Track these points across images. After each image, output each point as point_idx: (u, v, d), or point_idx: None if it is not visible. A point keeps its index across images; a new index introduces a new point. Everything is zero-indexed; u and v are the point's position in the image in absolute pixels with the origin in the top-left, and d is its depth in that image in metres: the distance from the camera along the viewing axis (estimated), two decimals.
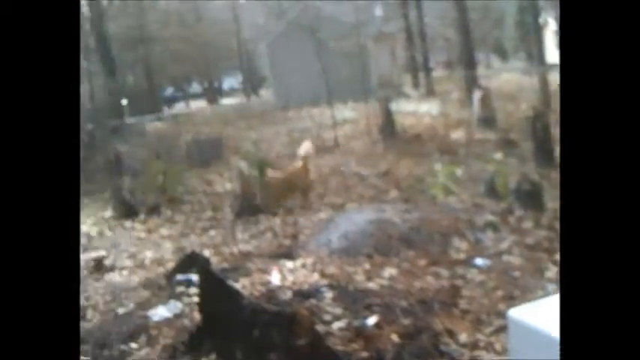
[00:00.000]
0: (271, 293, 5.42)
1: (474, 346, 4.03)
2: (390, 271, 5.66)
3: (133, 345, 4.68)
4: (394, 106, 16.81)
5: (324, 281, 5.60)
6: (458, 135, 14.21)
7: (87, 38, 25.29)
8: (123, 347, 4.65)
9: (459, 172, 9.25)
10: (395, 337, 4.27)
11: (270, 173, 9.45)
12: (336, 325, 4.59)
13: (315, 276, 5.78)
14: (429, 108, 19.22)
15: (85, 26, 25.33)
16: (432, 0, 29.22)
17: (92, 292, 6.06)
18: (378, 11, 31.95)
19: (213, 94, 41.48)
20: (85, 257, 7.37)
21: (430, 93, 24.84)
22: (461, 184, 8.97)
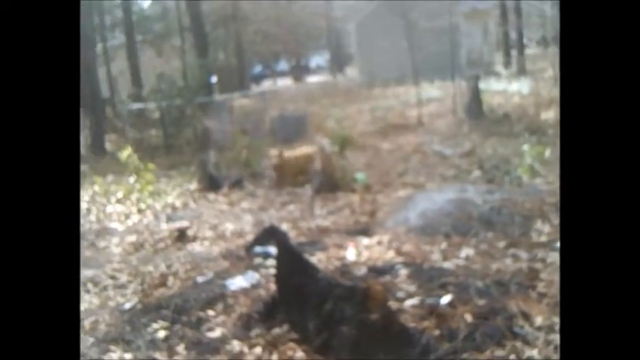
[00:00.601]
0: (346, 268, 5.45)
1: (549, 329, 3.89)
2: (467, 252, 5.55)
3: (210, 312, 4.83)
4: (483, 85, 16.37)
5: (400, 259, 5.57)
6: (548, 115, 13.68)
7: (182, 17, 26.01)
8: (200, 314, 4.80)
9: (548, 153, 8.90)
10: (468, 317, 4.20)
11: (286, 154, 10.09)
12: (409, 303, 4.56)
13: (391, 253, 5.75)
14: (519, 87, 18.60)
15: (181, 5, 26.05)
16: None
17: (174, 261, 6.28)
18: None
19: (300, 72, 41.84)
20: (169, 227, 7.65)
21: (522, 71, 24.02)
22: (549, 166, 8.65)
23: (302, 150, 10.24)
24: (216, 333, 4.49)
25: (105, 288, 5.77)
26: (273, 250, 5.64)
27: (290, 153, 10.16)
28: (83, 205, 9.66)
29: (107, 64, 27.10)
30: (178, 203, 9.40)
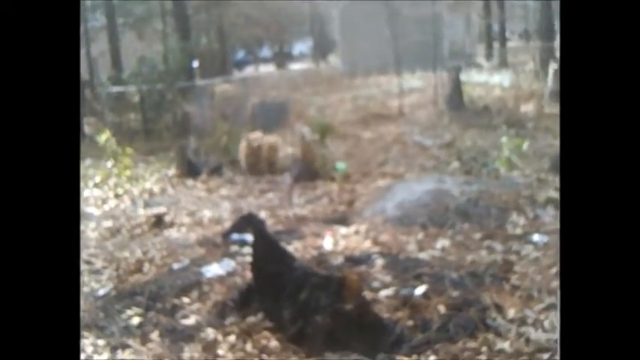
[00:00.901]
0: (323, 257, 5.47)
1: (521, 322, 3.95)
2: (443, 243, 5.60)
3: (185, 299, 4.82)
4: (464, 77, 16.43)
5: (376, 249, 5.60)
6: (528, 108, 13.78)
7: (165, 1, 25.71)
8: (175, 301, 4.80)
9: (526, 146, 8.98)
10: (442, 308, 4.24)
11: (254, 142, 10.17)
12: (384, 293, 4.59)
13: (368, 243, 5.78)
14: (500, 79, 18.68)
15: None
16: None
17: (150, 247, 6.25)
18: None
19: (282, 58, 41.65)
20: (147, 213, 7.60)
21: (503, 64, 24.09)
22: (526, 159, 8.73)
23: (268, 139, 10.24)
24: (191, 320, 4.49)
25: (80, 273, 5.72)
26: (250, 237, 5.63)
27: (257, 141, 10.12)
28: None
29: (87, 45, 26.75)
30: (156, 189, 9.34)
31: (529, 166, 8.39)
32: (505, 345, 3.75)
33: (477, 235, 5.72)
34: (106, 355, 4.08)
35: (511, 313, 4.10)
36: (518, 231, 5.77)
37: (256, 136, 10.25)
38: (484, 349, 3.74)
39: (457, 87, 14.94)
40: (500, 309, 4.15)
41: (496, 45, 28.37)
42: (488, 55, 27.72)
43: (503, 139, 9.10)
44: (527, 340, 3.76)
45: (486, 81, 18.91)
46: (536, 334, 3.80)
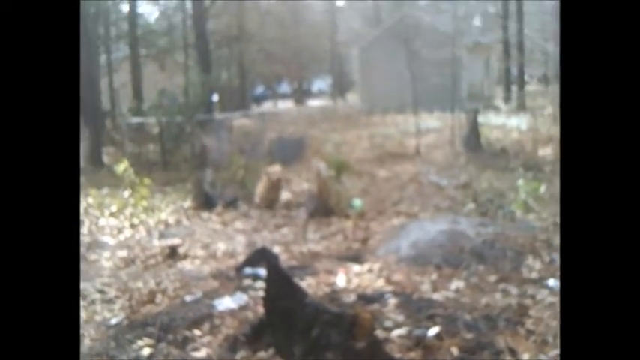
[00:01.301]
0: (335, 294, 5.43)
1: None
2: (457, 284, 5.55)
3: (197, 332, 4.80)
4: (482, 119, 16.47)
5: (389, 287, 5.56)
6: (546, 152, 13.76)
7: (187, 34, 26.19)
8: (186, 333, 4.77)
9: (542, 189, 8.94)
10: (455, 350, 4.19)
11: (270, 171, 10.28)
12: (397, 333, 4.54)
13: (381, 282, 5.75)
14: (518, 122, 18.71)
15: (188, 22, 26.22)
16: (532, 13, 28.46)
17: (164, 278, 6.25)
18: (477, 21, 31.43)
19: (301, 95, 42.06)
20: (161, 244, 7.63)
21: (521, 107, 24.16)
22: (543, 203, 8.67)
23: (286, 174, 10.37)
24: (202, 353, 4.46)
25: (93, 302, 5.73)
26: (263, 272, 5.63)
27: (275, 175, 10.19)
28: None
29: (110, 75, 27.24)
30: (171, 220, 9.38)
31: (545, 209, 8.33)
32: None
33: (492, 278, 5.67)
34: None
35: (525, 357, 4.04)
36: (534, 275, 5.71)
37: (275, 169, 10.31)
38: None
39: (475, 128, 14.98)
40: (514, 353, 4.09)
41: (514, 88, 28.46)
42: (507, 98, 27.79)
43: (520, 182, 9.07)
44: None
45: (504, 124, 18.93)
46: None
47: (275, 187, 9.98)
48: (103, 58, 26.43)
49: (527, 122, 18.19)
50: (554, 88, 21.16)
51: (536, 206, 8.45)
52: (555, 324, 4.56)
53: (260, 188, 10.14)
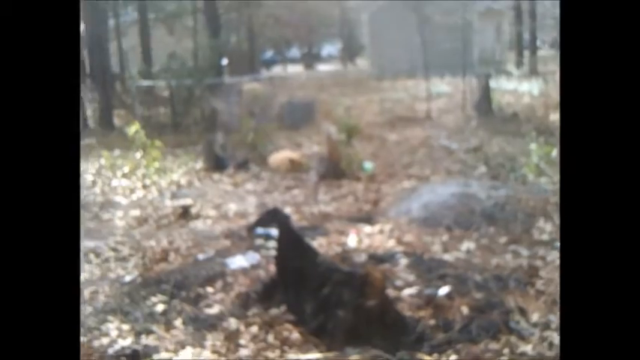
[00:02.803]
0: (346, 254, 5.48)
1: (545, 326, 3.92)
2: (468, 245, 5.57)
3: (209, 289, 4.86)
4: (493, 84, 16.30)
5: (400, 248, 5.60)
6: (557, 117, 13.64)
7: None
8: (199, 290, 4.84)
9: (554, 153, 8.88)
10: (465, 309, 4.23)
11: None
12: (407, 292, 4.59)
13: (392, 242, 5.78)
14: (529, 87, 18.51)
15: None
16: None
17: (176, 237, 6.32)
18: None
19: (310, 59, 41.78)
20: (173, 204, 7.69)
21: (533, 72, 23.89)
22: (555, 166, 8.63)
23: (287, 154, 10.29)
24: (214, 310, 4.53)
25: (106, 260, 5.80)
26: (274, 232, 5.66)
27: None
28: (89, 178, 9.70)
29: (118, 39, 27.08)
30: (183, 181, 9.43)
31: (558, 173, 8.30)
32: (527, 348, 3.72)
33: (503, 240, 5.69)
34: (130, 339, 4.13)
35: (535, 317, 4.07)
36: (545, 237, 5.72)
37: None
38: (506, 351, 3.72)
39: (486, 93, 14.83)
40: (524, 312, 4.12)
41: (526, 53, 28.13)
42: (519, 63, 27.46)
43: (532, 146, 9.02)
44: (551, 345, 3.73)
45: (515, 88, 18.74)
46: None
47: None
48: (111, 23, 26.20)
49: (539, 87, 18.00)
50: None
51: (549, 170, 8.42)
52: None
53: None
